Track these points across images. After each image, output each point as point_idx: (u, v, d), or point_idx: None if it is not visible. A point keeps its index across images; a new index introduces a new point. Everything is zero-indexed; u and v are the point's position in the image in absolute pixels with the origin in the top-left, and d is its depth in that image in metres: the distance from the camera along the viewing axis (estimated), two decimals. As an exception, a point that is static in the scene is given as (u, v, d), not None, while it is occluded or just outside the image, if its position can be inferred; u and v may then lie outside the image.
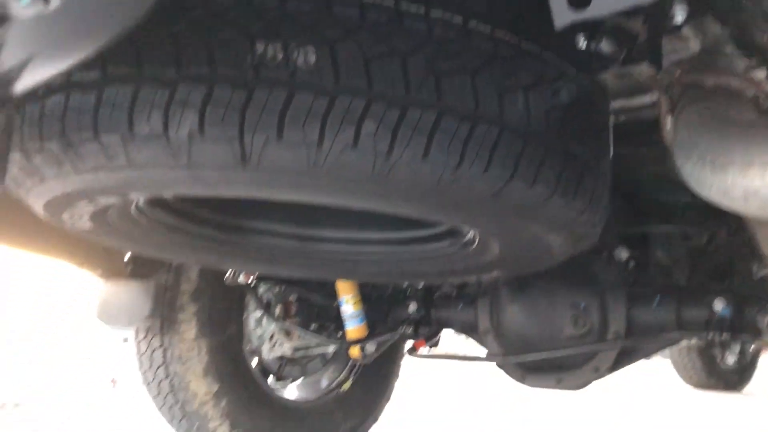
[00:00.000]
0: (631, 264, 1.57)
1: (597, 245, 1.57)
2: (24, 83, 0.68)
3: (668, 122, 0.85)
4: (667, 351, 4.88)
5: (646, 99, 1.20)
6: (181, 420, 1.95)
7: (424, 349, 1.86)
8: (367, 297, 1.96)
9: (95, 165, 0.85)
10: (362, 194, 0.87)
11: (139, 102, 0.79)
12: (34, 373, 4.01)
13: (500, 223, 0.97)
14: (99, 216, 1.08)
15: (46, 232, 1.51)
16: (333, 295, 1.96)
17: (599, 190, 1.01)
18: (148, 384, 1.97)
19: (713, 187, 0.69)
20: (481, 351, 1.82)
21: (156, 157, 0.81)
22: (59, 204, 0.99)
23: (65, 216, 1.07)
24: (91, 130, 0.81)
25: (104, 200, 0.97)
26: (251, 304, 2.05)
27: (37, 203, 1.02)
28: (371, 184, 0.84)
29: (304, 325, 2.05)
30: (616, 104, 1.32)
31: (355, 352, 1.92)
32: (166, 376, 1.91)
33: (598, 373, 1.56)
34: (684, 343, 1.96)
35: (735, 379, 4.73)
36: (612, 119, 1.19)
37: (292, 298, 2.08)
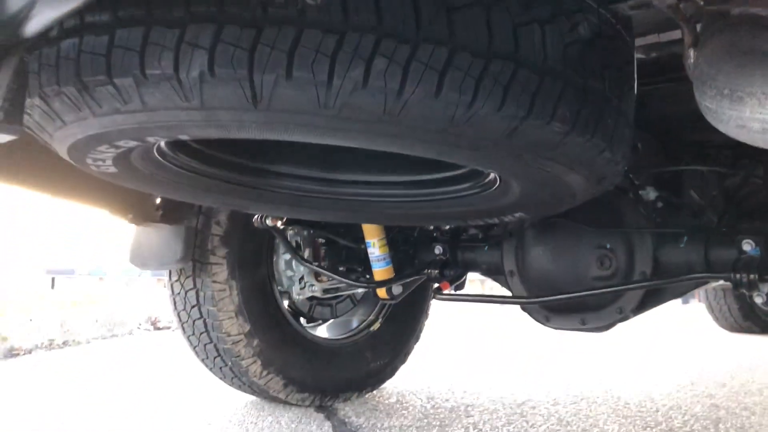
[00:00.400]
0: (660, 204, 1.54)
1: (624, 185, 1.55)
2: (33, 25, 0.68)
3: (691, 56, 0.82)
4: (701, 295, 4.84)
5: (676, 34, 1.15)
6: (215, 358, 2.02)
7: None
8: (394, 240, 1.97)
9: (111, 108, 0.86)
10: (374, 135, 0.87)
11: (150, 44, 0.79)
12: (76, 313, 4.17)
13: (517, 162, 0.95)
14: (122, 160, 1.10)
15: (77, 180, 1.55)
16: (360, 238, 1.97)
17: (621, 128, 0.98)
18: (183, 324, 2.04)
19: (731, 121, 0.67)
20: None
21: (168, 99, 0.82)
22: (81, 148, 1.01)
23: (89, 160, 1.09)
24: (105, 73, 0.82)
25: (124, 144, 0.99)
26: (280, 247, 2.08)
27: (61, 148, 1.04)
28: (383, 124, 0.83)
29: (333, 268, 2.08)
30: (646, 40, 1.28)
31: (382, 293, 1.94)
32: (200, 316, 1.97)
33: (623, 315, 1.56)
34: (713, 284, 1.93)
35: (771, 322, 4.68)
36: (639, 55, 1.15)
37: (321, 241, 2.11)
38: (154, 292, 7.10)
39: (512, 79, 0.82)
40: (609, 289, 1.50)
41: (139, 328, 4.66)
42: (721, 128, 0.73)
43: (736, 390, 2.56)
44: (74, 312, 4.12)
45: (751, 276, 1.33)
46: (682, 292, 1.56)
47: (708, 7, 0.78)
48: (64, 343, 3.82)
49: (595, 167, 1.01)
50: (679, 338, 4.46)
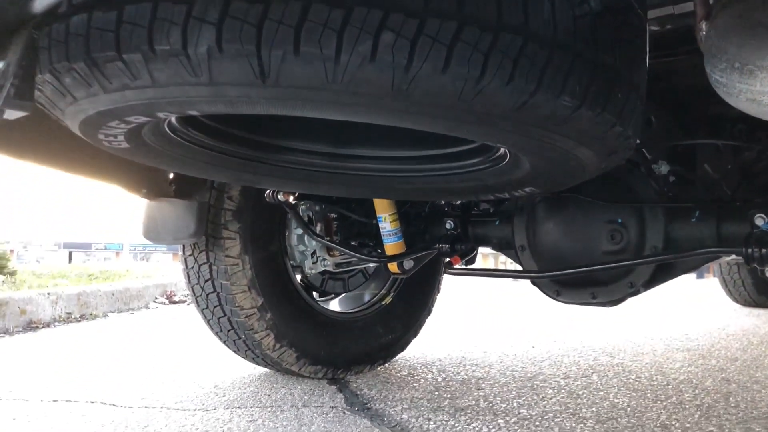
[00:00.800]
0: (672, 178, 1.53)
1: (636, 159, 1.54)
2: (42, 1, 0.68)
3: (703, 28, 0.80)
4: (715, 270, 4.82)
5: (691, 6, 1.13)
6: (228, 331, 2.05)
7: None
8: (405, 215, 1.98)
9: (121, 84, 0.87)
10: (382, 110, 0.86)
11: (158, 19, 0.79)
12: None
13: (526, 137, 0.95)
14: (134, 136, 1.11)
15: (90, 155, 1.56)
16: (372, 213, 1.98)
17: (632, 102, 0.97)
18: (197, 297, 2.06)
19: (741, 94, 0.66)
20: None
21: (177, 75, 0.82)
22: (93, 124, 1.02)
23: (101, 136, 1.10)
24: (114, 49, 0.82)
25: (134, 119, 0.99)
26: (292, 222, 2.09)
27: (73, 124, 1.05)
28: (391, 99, 0.83)
29: (344, 243, 2.10)
30: (661, 12, 1.26)
31: (393, 267, 1.96)
32: (213, 290, 2.00)
33: (634, 289, 1.56)
34: (726, 258, 1.92)
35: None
36: (653, 27, 1.13)
37: (332, 216, 2.12)
38: (170, 267, 7.18)
39: (521, 52, 0.82)
40: (620, 264, 1.50)
41: (155, 302, 4.72)
42: (731, 102, 0.72)
43: (747, 364, 2.56)
44: (91, 286, 4.17)
45: (764, 251, 1.32)
46: (693, 267, 1.55)
47: (721, -23, 0.77)
48: (82, 317, 3.88)
49: (606, 141, 1.01)
50: (692, 313, 4.45)
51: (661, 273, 1.56)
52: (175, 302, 4.87)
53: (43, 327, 3.48)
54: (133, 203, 1.99)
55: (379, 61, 0.78)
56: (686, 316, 4.28)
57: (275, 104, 0.86)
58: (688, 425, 1.68)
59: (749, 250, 1.34)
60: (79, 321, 3.80)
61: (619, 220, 1.53)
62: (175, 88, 0.85)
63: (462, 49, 0.79)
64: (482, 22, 0.79)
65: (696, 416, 1.77)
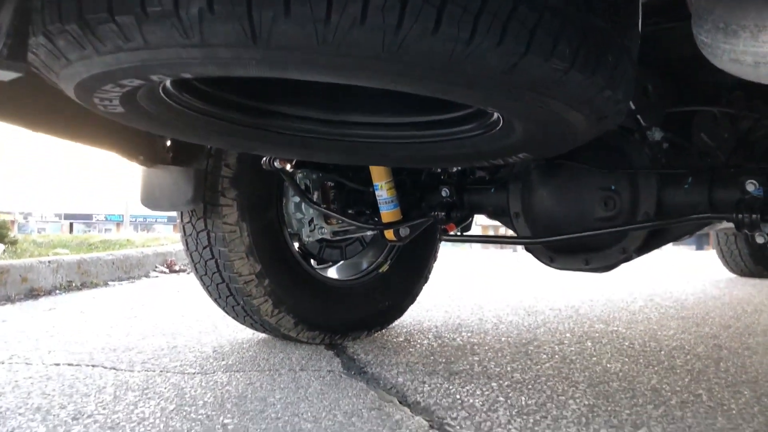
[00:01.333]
0: (665, 145, 1.53)
1: (630, 126, 1.54)
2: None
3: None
4: (713, 241, 4.85)
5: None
6: (227, 297, 2.08)
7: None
8: (401, 183, 1.99)
9: (114, 46, 0.87)
10: (373, 72, 0.87)
11: (149, -18, 0.79)
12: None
13: (517, 100, 0.96)
14: (128, 100, 1.12)
15: (87, 122, 1.57)
16: (368, 181, 1.99)
17: (623, 66, 0.98)
18: (195, 264, 2.08)
19: (725, 54, 0.66)
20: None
21: (169, 37, 0.83)
22: (87, 87, 1.03)
23: (96, 100, 1.10)
24: (107, 11, 0.83)
25: (129, 83, 1.00)
26: (289, 190, 2.10)
27: (67, 88, 1.06)
28: (381, 62, 0.83)
29: (341, 210, 2.11)
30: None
31: (390, 235, 1.97)
32: (212, 257, 2.02)
33: (627, 255, 1.58)
34: (719, 226, 1.93)
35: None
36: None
37: (329, 184, 2.13)
38: (170, 237, 7.22)
39: (511, 14, 0.82)
40: (613, 230, 1.51)
41: (155, 270, 4.76)
42: (716, 62, 0.72)
43: (740, 332, 2.60)
44: (91, 255, 4.20)
45: (754, 216, 1.34)
46: (685, 233, 1.57)
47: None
48: (83, 285, 3.92)
49: (596, 105, 1.02)
50: (689, 283, 4.49)
51: (654, 239, 1.58)
52: (175, 271, 4.91)
53: (44, 295, 3.52)
54: (133, 174, 1.99)
55: (370, 23, 0.78)
56: (683, 285, 4.32)
57: (266, 66, 0.87)
58: (678, 389, 1.71)
59: (740, 216, 1.35)
60: (80, 289, 3.84)
61: (613, 187, 1.54)
62: (167, 50, 0.85)
63: (452, 10, 0.79)
64: (473, -17, 0.80)
65: (686, 380, 1.80)
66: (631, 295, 3.69)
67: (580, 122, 1.06)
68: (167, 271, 4.82)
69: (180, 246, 5.27)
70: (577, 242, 1.61)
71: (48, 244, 5.63)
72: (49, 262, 3.67)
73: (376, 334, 2.36)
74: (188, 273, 4.78)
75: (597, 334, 2.46)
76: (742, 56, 0.64)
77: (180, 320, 2.72)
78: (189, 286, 3.89)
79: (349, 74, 0.89)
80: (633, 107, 1.50)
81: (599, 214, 1.56)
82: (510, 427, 1.40)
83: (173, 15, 0.80)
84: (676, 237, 1.56)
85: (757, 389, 1.72)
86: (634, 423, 1.43)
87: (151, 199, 2.01)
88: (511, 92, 0.92)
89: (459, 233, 1.91)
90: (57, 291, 3.66)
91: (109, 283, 4.13)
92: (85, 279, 3.95)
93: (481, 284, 4.23)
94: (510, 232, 1.89)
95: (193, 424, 1.40)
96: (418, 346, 2.19)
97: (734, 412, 1.53)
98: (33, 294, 3.46)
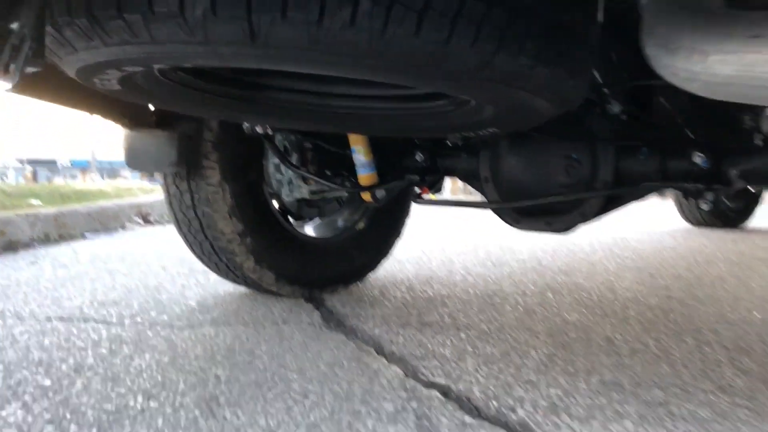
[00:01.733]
0: (624, 117, 1.65)
1: (592, 100, 1.65)
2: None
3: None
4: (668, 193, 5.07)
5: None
6: (210, 255, 2.18)
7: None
8: (378, 146, 2.08)
9: (121, 40, 0.95)
10: (361, 67, 0.97)
11: (158, -16, 0.87)
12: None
13: (489, 90, 1.06)
14: (127, 80, 1.19)
15: (74, 88, 1.62)
16: (346, 144, 2.08)
17: (584, 57, 1.09)
18: (179, 222, 2.17)
19: (665, 69, 0.77)
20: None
21: (175, 34, 0.91)
22: (90, 71, 1.10)
23: (96, 80, 1.18)
24: (115, 9, 0.90)
25: (131, 68, 1.08)
26: (270, 151, 2.19)
27: (69, 70, 1.13)
28: (368, 59, 0.93)
29: (319, 172, 2.21)
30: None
31: (367, 197, 2.08)
32: (195, 216, 2.11)
33: (585, 218, 1.71)
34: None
35: (733, 216, 4.96)
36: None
37: (308, 146, 2.22)
38: (143, 187, 7.22)
39: (484, 18, 0.92)
40: (573, 197, 1.65)
41: (130, 222, 4.80)
42: (659, 73, 0.83)
43: (690, 282, 2.79)
44: (68, 207, 4.23)
45: (699, 185, 1.48)
46: (639, 198, 1.71)
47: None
48: (60, 237, 3.96)
49: (559, 93, 1.13)
50: (648, 232, 4.70)
51: (610, 204, 1.72)
52: (150, 222, 4.96)
53: (22, 248, 3.57)
54: (100, 120, 2.01)
55: (358, 26, 0.88)
56: (641, 235, 4.53)
57: (263, 60, 0.96)
58: (629, 338, 1.88)
59: (687, 185, 1.49)
60: (58, 242, 3.89)
61: (575, 156, 1.66)
62: (172, 45, 0.93)
63: (431, 15, 0.89)
64: (450, -9, 0.89)
65: (638, 330, 1.97)
66: (592, 246, 3.88)
67: (545, 106, 1.17)
68: (142, 222, 4.87)
69: (154, 198, 5.27)
70: (540, 207, 1.74)
71: (18, 194, 5.60)
72: (26, 215, 3.71)
73: (352, 288, 2.49)
74: (163, 225, 4.84)
75: (558, 285, 2.63)
76: (679, 72, 0.74)
77: (162, 274, 2.81)
78: (166, 239, 3.97)
79: (338, 69, 0.99)
80: (600, 80, 1.60)
81: (562, 181, 1.69)
82: (477, 375, 1.55)
83: (179, 16, 0.88)
84: (631, 201, 1.70)
85: (699, 338, 1.91)
86: (588, 370, 1.59)
87: (135, 161, 2.08)
88: (483, 84, 1.03)
89: (432, 193, 2.03)
90: (35, 244, 3.71)
91: (86, 235, 4.18)
92: (63, 231, 4.00)
93: (452, 237, 4.39)
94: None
95: (188, 375, 1.52)
96: (392, 298, 2.33)
97: (677, 359, 1.70)
98: (12, 247, 3.51)
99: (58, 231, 3.96)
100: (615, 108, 1.61)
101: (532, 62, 0.99)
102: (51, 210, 4.02)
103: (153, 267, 2.99)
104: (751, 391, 1.48)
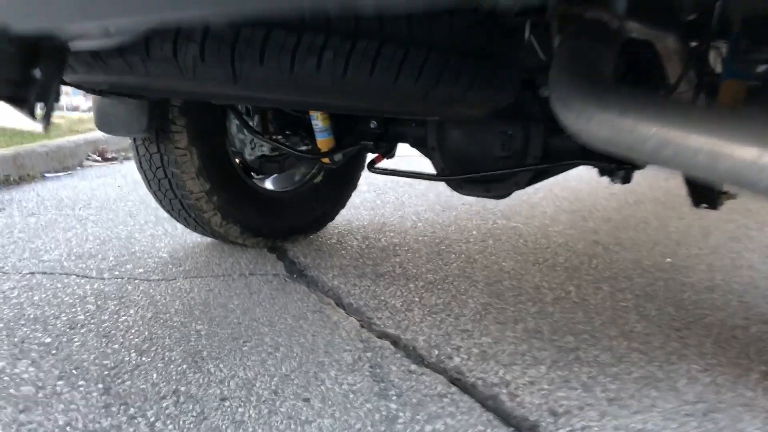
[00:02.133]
0: (553, 101, 1.87)
1: (527, 83, 1.87)
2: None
3: (556, 40, 1.10)
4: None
5: None
6: (180, 211, 2.36)
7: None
8: (335, 114, 2.26)
9: (121, 72, 1.11)
10: (325, 101, 1.16)
11: (155, 35, 1.03)
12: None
13: (432, 110, 1.27)
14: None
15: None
16: (305, 110, 2.25)
17: (510, 78, 1.30)
18: (150, 181, 2.34)
19: (563, 119, 0.98)
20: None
21: (168, 73, 1.08)
22: (86, 86, 1.26)
23: (86, 86, 1.33)
24: (117, 51, 1.06)
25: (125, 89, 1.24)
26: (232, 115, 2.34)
27: (68, 80, 1.28)
28: (331, 95, 1.12)
29: (280, 132, 2.38)
30: None
31: (325, 159, 2.28)
32: (165, 176, 2.28)
33: (518, 186, 1.96)
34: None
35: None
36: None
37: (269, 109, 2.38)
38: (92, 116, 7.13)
39: (426, 60, 1.12)
40: (508, 171, 1.88)
41: (88, 159, 4.87)
42: (559, 118, 1.03)
43: (617, 225, 3.10)
44: (25, 147, 4.27)
45: (612, 165, 1.73)
46: (564, 171, 1.95)
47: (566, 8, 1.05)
48: (20, 179, 4.04)
49: (489, 104, 1.34)
50: (588, 170, 5.01)
51: (539, 176, 1.97)
52: (108, 159, 5.03)
53: (-15, 191, 3.65)
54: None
55: (323, 72, 1.07)
56: (581, 173, 4.83)
57: (243, 97, 1.14)
58: (554, 286, 2.18)
59: (603, 164, 1.75)
60: (19, 183, 3.96)
61: (510, 132, 1.88)
62: (165, 80, 1.11)
63: (383, 60, 1.08)
64: (397, 40, 1.08)
65: (563, 278, 2.27)
66: (534, 186, 4.16)
67: (477, 112, 1.39)
68: (100, 159, 4.94)
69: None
70: (481, 175, 1.97)
71: (-32, 127, 5.54)
72: (-15, 158, 3.76)
73: (312, 237, 2.72)
74: (121, 162, 4.92)
75: (499, 231, 2.91)
76: (571, 125, 0.95)
77: (130, 222, 2.98)
78: (127, 179, 4.09)
79: (307, 103, 1.18)
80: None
81: (498, 154, 1.91)
82: (422, 324, 1.82)
83: (172, 60, 1.05)
84: (557, 173, 1.95)
85: (614, 285, 2.21)
86: (515, 319, 1.88)
87: (106, 125, 2.21)
88: (425, 107, 1.24)
89: (386, 159, 2.24)
90: (-3, 186, 3.79)
91: (46, 175, 4.25)
92: (22, 172, 4.06)
93: (404, 181, 4.62)
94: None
95: (172, 330, 1.75)
96: (349, 248, 2.58)
97: (591, 306, 2.01)
98: (-25, 191, 3.59)
99: (17, 172, 4.03)
100: (545, 92, 1.82)
101: (465, 89, 1.19)
102: (9, 151, 4.07)
103: (120, 214, 3.14)
104: (647, 335, 1.80)
